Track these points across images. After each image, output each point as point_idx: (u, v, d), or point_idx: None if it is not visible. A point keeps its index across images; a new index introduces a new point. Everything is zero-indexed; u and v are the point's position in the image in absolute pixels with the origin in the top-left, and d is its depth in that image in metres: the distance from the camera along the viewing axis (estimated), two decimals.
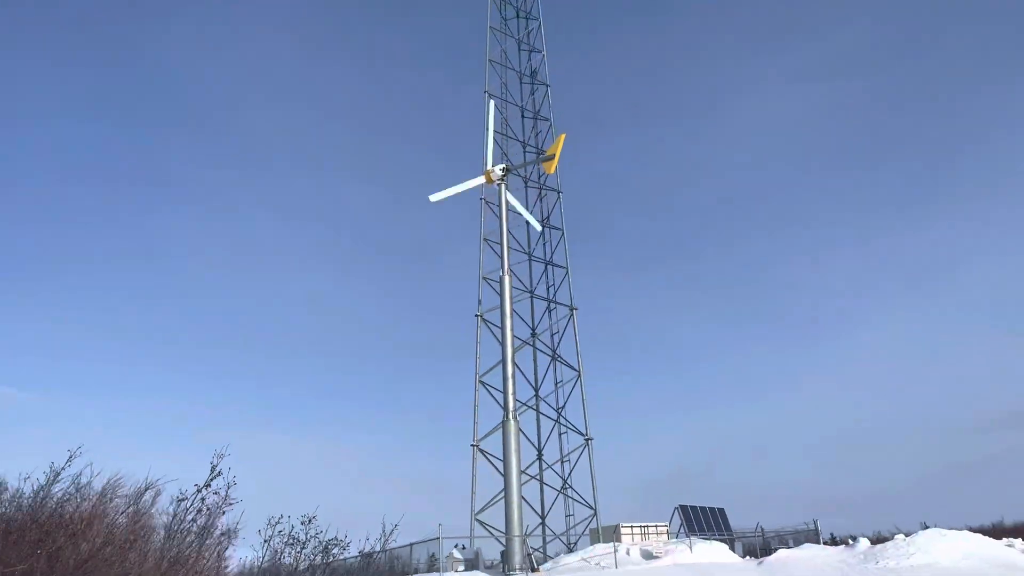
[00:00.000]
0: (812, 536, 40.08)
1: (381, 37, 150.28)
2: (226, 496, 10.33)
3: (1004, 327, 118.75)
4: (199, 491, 10.71)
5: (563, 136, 38.87)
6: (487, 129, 48.58)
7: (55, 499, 13.53)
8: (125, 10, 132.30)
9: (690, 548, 32.82)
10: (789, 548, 33.34)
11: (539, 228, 47.05)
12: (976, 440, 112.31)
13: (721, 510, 47.34)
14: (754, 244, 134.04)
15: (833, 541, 52.66)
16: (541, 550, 42.71)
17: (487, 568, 37.26)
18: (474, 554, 36.96)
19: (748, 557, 35.53)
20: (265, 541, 11.48)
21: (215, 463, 10.79)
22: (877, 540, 32.04)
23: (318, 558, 11.43)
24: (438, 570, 32.82)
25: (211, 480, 10.67)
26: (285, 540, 11.24)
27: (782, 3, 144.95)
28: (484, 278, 45.23)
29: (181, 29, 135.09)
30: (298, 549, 11.46)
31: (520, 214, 48.50)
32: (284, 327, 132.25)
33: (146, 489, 12.01)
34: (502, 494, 41.81)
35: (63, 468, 14.27)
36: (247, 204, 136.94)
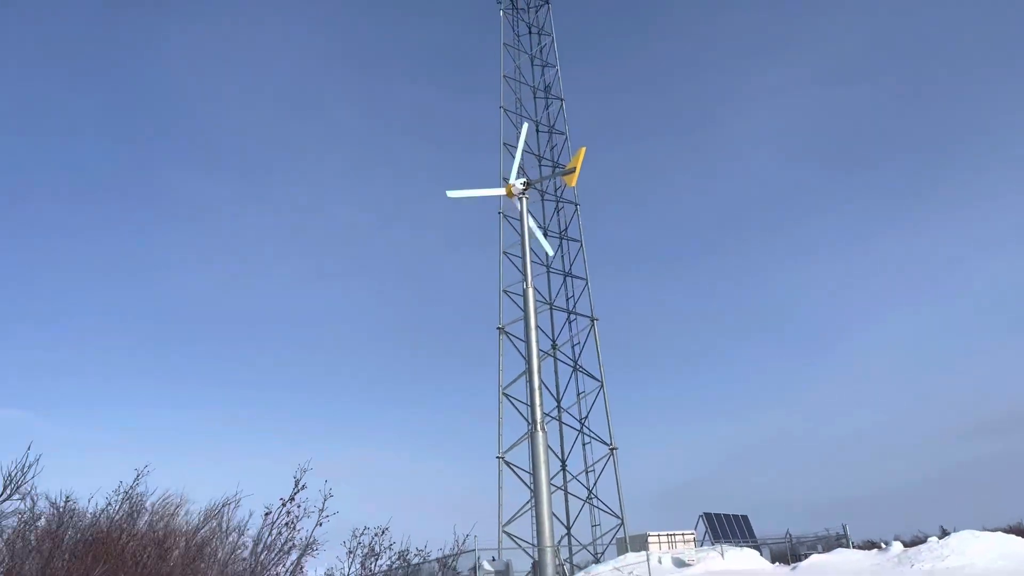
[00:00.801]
0: (836, 541, 40.20)
1: (388, 51, 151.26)
2: (322, 508, 10.65)
3: (1006, 328, 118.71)
4: (284, 504, 11.03)
5: (583, 149, 39.04)
6: (513, 146, 49.12)
7: (132, 516, 13.86)
8: (122, 20, 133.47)
9: (722, 555, 33.01)
10: (819, 553, 33.48)
11: (550, 252, 47.26)
12: (983, 442, 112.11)
13: (745, 517, 47.49)
14: (767, 249, 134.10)
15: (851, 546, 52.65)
16: (568, 561, 42.87)
17: None
18: (504, 566, 37.05)
19: (778, 563, 35.67)
20: (350, 552, 11.77)
21: (298, 476, 11.12)
22: (907, 544, 32.16)
23: (396, 565, 11.77)
24: None
25: (295, 493, 10.98)
26: (365, 552, 11.56)
27: (789, 12, 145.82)
28: (504, 291, 45.66)
29: (180, 41, 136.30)
30: (373, 561, 11.78)
31: (535, 237, 48.92)
32: (292, 341, 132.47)
33: (232, 504, 12.33)
34: (528, 505, 42.10)
35: (132, 486, 14.55)
36: (248, 217, 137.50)
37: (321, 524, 10.69)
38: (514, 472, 41.91)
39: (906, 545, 31.08)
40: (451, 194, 40.82)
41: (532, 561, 38.84)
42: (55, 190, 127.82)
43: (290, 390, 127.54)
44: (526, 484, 41.55)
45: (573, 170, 41.06)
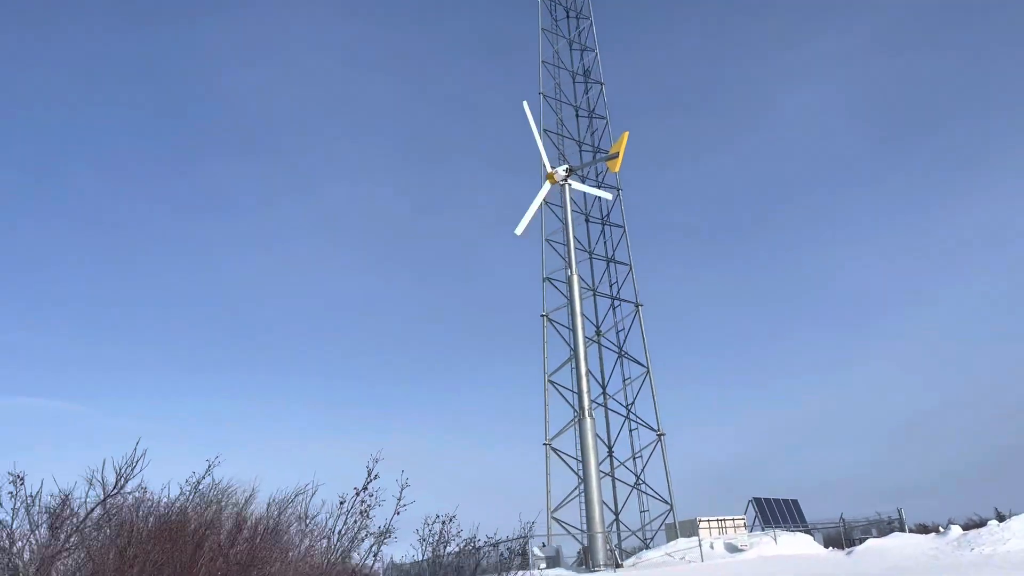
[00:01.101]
0: (888, 526, 39.74)
1: (426, 39, 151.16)
2: (400, 497, 10.88)
3: None
4: (358, 494, 11.26)
5: (626, 134, 39.21)
6: (537, 131, 48.96)
7: (207, 505, 14.21)
8: (161, 15, 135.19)
9: (775, 540, 32.82)
10: (874, 537, 33.12)
11: (609, 197, 46.93)
12: None
13: (795, 502, 47.06)
14: (815, 225, 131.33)
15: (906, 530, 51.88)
16: (618, 547, 42.95)
17: (566, 566, 37.61)
18: (555, 552, 37.32)
19: (831, 548, 35.36)
20: (422, 540, 12.05)
21: (371, 466, 11.34)
22: (966, 527, 31.65)
23: (468, 550, 12.10)
24: (525, 568, 33.21)
25: (368, 483, 11.22)
26: (437, 538, 11.85)
27: None
28: (547, 278, 45.63)
29: (217, 34, 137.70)
30: (443, 547, 12.08)
31: (577, 218, 48.94)
32: (330, 333, 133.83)
33: (309, 492, 12.60)
34: (576, 492, 42.24)
35: (204, 476, 14.88)
36: (288, 207, 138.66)
37: (399, 513, 10.91)
38: (561, 459, 41.99)
39: (962, 529, 30.64)
40: (519, 230, 41.44)
41: (581, 546, 39.07)
42: (96, 181, 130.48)
43: (331, 380, 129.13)
44: (574, 471, 41.64)
45: (616, 155, 41.11)
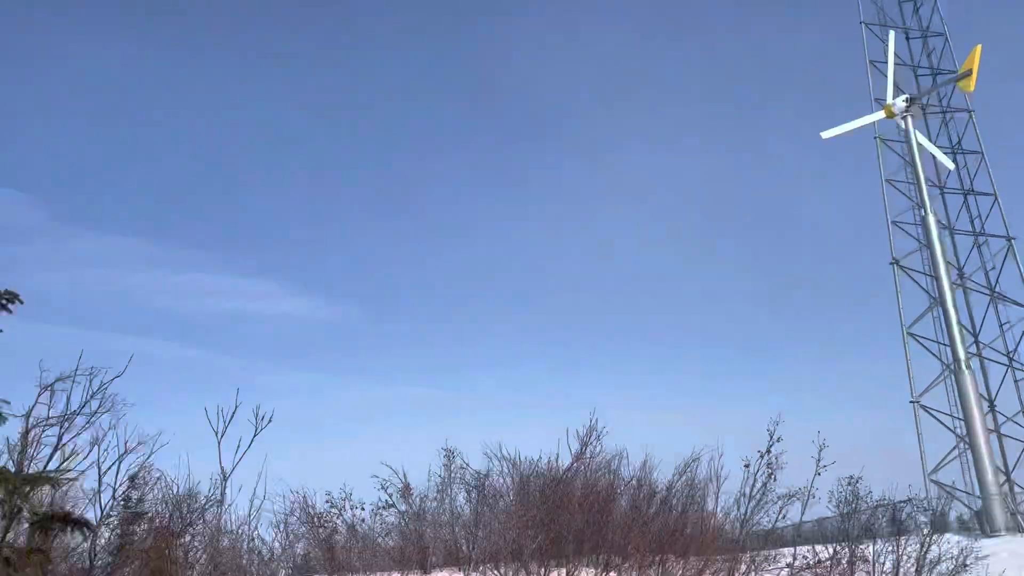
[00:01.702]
0: None
1: None
2: (818, 458, 10.93)
3: None
4: (762, 456, 11.47)
5: (979, 47, 34.58)
6: (881, 61, 44.99)
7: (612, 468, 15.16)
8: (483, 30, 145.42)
9: None
10: None
11: (951, 166, 42.39)
12: None
13: None
14: None
15: None
16: (1016, 511, 38.42)
17: (952, 530, 34.54)
18: (939, 516, 34.38)
19: None
20: (838, 502, 12.05)
21: (771, 429, 11.50)
22: None
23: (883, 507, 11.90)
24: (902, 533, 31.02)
25: (771, 446, 11.39)
26: (852, 498, 11.75)
27: None
28: (893, 222, 42.03)
29: (524, 45, 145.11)
30: (853, 507, 11.97)
31: (924, 152, 44.30)
32: (646, 303, 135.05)
33: (715, 454, 13.02)
34: (954, 452, 38.49)
35: (590, 442, 15.79)
36: (596, 186, 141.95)
37: (819, 474, 10.92)
38: (934, 416, 38.41)
39: None
40: (826, 135, 38.88)
41: (968, 509, 35.70)
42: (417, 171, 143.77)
43: (662, 351, 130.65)
44: (949, 428, 38.12)
45: (969, 73, 36.47)
